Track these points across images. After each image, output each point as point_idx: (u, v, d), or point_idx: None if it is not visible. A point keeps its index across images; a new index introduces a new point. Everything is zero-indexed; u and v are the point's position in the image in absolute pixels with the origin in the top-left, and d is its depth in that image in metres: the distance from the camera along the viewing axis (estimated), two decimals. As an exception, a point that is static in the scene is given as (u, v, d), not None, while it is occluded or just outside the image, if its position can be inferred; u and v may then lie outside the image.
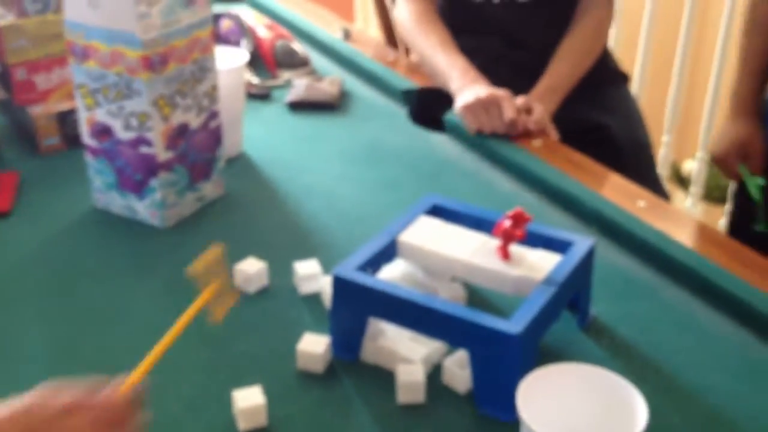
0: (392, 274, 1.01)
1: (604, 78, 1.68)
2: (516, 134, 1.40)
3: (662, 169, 2.50)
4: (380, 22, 2.16)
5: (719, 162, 1.57)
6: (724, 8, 2.31)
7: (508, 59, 1.64)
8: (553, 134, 1.42)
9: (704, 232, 1.18)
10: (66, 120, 1.36)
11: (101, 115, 1.15)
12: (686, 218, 1.23)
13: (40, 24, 1.34)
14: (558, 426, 0.76)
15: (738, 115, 1.55)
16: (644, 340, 0.98)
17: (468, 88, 1.44)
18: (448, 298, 0.99)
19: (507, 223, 0.92)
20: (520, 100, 1.43)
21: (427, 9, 1.65)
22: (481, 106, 1.40)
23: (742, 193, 1.49)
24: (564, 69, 1.56)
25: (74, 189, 1.27)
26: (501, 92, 1.41)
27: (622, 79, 1.75)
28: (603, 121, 1.62)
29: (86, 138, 1.18)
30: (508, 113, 1.39)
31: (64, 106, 1.36)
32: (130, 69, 1.09)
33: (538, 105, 1.44)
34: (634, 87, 2.51)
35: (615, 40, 2.49)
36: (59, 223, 1.20)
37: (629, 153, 1.63)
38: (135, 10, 1.05)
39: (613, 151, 1.58)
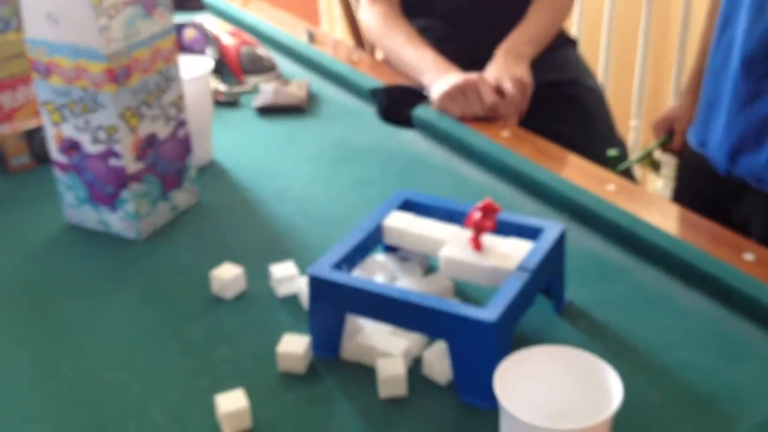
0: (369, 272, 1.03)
1: (557, 42, 1.73)
2: (496, 116, 1.42)
3: (633, 154, 2.52)
4: (347, 23, 2.17)
5: (652, 128, 1.64)
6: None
7: (453, 38, 1.67)
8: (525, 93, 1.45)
9: (673, 211, 1.20)
10: (34, 138, 1.36)
11: (68, 131, 1.14)
12: (654, 199, 1.25)
13: (2, 44, 1.34)
14: (536, 407, 0.77)
15: (685, 92, 1.59)
16: (620, 321, 1.00)
17: (442, 78, 1.47)
18: (436, 291, 1.00)
19: (477, 215, 0.93)
20: (490, 78, 1.45)
21: (391, 9, 1.69)
22: (458, 92, 1.42)
23: (686, 159, 1.51)
24: (538, 23, 1.61)
25: (46, 206, 1.26)
26: (475, 76, 1.43)
27: (572, 43, 1.82)
28: (563, 78, 1.69)
29: (55, 154, 1.18)
30: (488, 97, 1.41)
31: (31, 123, 1.36)
32: (94, 83, 1.09)
33: (507, 82, 1.45)
34: (600, 72, 2.53)
35: (578, 20, 2.52)
36: (33, 242, 1.20)
37: (593, 104, 1.74)
38: (96, 24, 1.05)
39: (580, 104, 1.70)
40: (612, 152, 1.53)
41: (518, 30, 1.61)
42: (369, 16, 1.71)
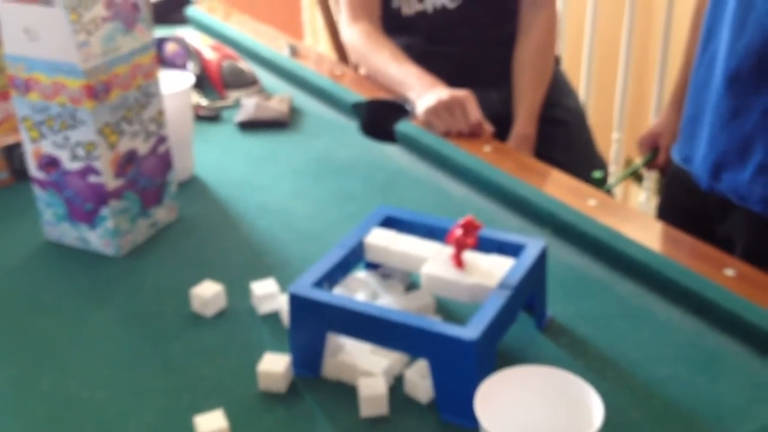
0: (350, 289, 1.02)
1: None
2: (481, 133, 1.43)
3: (615, 166, 2.53)
4: (330, 37, 2.17)
5: (637, 145, 1.66)
6: None
7: (433, 56, 1.69)
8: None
9: (654, 226, 1.20)
10: (13, 154, 1.35)
11: (47, 147, 1.14)
12: (636, 214, 1.25)
13: (-19, 59, 1.33)
14: (517, 428, 0.76)
15: (668, 107, 1.60)
16: (602, 337, 0.99)
17: (427, 93, 1.47)
18: (417, 309, 1.00)
19: (458, 232, 0.93)
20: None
21: (373, 27, 1.71)
22: (443, 108, 1.43)
23: (670, 175, 1.52)
24: (530, 93, 1.68)
25: (25, 222, 1.25)
26: (462, 93, 1.44)
27: (554, 61, 1.83)
28: (545, 100, 1.72)
29: (33, 171, 1.17)
30: (473, 113, 1.41)
31: (10, 139, 1.35)
32: (73, 99, 1.08)
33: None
34: (582, 84, 2.54)
35: (561, 32, 2.53)
36: (11, 259, 1.19)
37: (573, 125, 1.77)
38: (74, 40, 1.04)
39: (560, 125, 1.74)
40: (597, 174, 1.53)
41: (523, 109, 1.67)
42: (351, 34, 1.72)
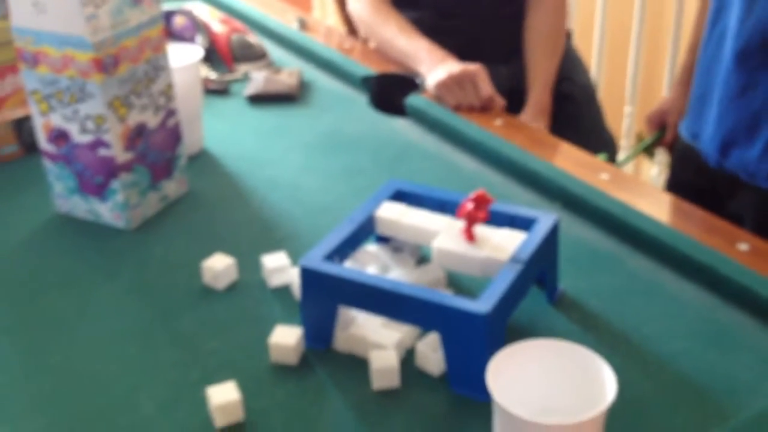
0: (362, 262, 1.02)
1: None
2: (492, 108, 1.42)
3: (626, 140, 2.52)
4: (339, 10, 2.15)
5: (646, 122, 1.65)
6: (678, -23, 2.32)
7: (443, 30, 1.67)
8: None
9: (666, 201, 1.19)
10: (23, 127, 1.34)
11: (57, 120, 1.13)
12: (648, 188, 1.25)
13: (-10, 31, 1.32)
14: (530, 402, 0.76)
15: (677, 84, 1.59)
16: (613, 312, 0.99)
17: (439, 66, 1.45)
18: (428, 282, 1.00)
19: (470, 206, 0.92)
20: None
21: (380, 0, 1.67)
22: (454, 82, 1.42)
23: (678, 152, 1.51)
24: (545, 63, 1.65)
25: (35, 196, 1.25)
26: (473, 67, 1.43)
27: (566, 35, 1.81)
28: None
29: (43, 144, 1.17)
30: (485, 88, 1.40)
31: (20, 113, 1.35)
32: (82, 72, 1.08)
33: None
34: (594, 57, 2.52)
35: (572, 7, 2.50)
36: (21, 232, 1.19)
37: (584, 101, 1.75)
38: (82, 13, 1.04)
39: (571, 102, 1.72)
40: (601, 156, 1.52)
41: (538, 79, 1.64)
42: (358, 7, 1.69)
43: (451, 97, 1.42)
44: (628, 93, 2.52)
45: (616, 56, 2.59)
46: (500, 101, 1.45)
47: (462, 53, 1.53)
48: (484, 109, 1.42)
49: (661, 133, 1.61)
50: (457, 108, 1.42)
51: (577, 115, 1.73)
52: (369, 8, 1.66)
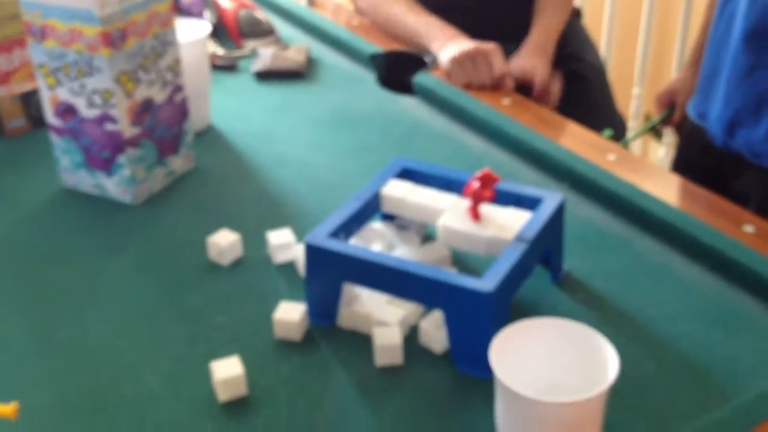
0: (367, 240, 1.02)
1: None
2: (503, 87, 1.40)
3: (635, 121, 2.51)
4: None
5: (655, 102, 1.64)
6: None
7: (452, 5, 1.65)
8: (555, 94, 1.44)
9: (673, 182, 1.19)
10: (30, 101, 1.35)
11: (64, 94, 1.13)
12: (655, 169, 1.24)
13: (-3, 5, 1.32)
14: (532, 380, 0.76)
15: (687, 64, 1.58)
16: (618, 292, 0.99)
17: (451, 43, 1.45)
18: (433, 260, 1.00)
19: (476, 184, 0.92)
20: (516, 69, 1.44)
21: None
22: (467, 58, 1.41)
23: (685, 131, 1.50)
24: (549, 15, 1.60)
25: (42, 170, 1.25)
26: (488, 45, 1.42)
27: (576, 14, 1.80)
28: (564, 53, 1.66)
29: (50, 118, 1.17)
30: (498, 66, 1.39)
31: (27, 86, 1.35)
32: (89, 46, 1.08)
33: (540, 69, 1.45)
34: (604, 38, 2.51)
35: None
36: (28, 205, 1.19)
37: (593, 80, 1.72)
38: (91, -14, 1.03)
39: (580, 80, 1.68)
40: (606, 133, 1.51)
41: (538, 26, 1.60)
42: None
43: (462, 74, 1.41)
44: (637, 74, 2.51)
45: (625, 37, 2.57)
46: (510, 82, 1.44)
47: (470, 31, 1.52)
48: (496, 87, 1.41)
49: (669, 113, 1.60)
50: (468, 86, 1.41)
51: (586, 95, 1.72)
52: None
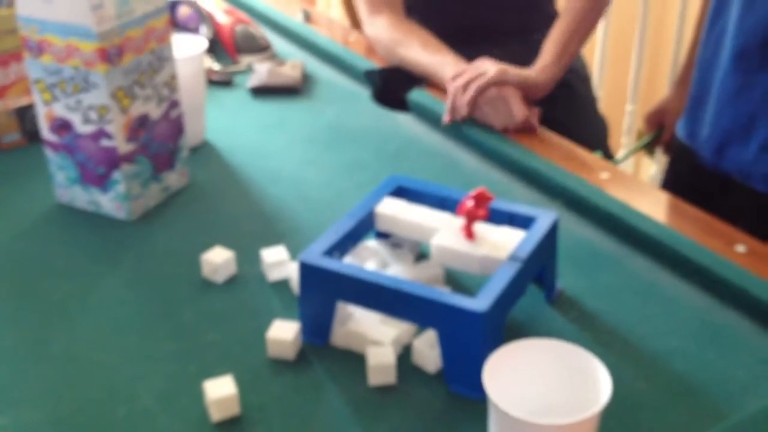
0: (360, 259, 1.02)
1: (550, 23, 1.66)
2: (529, 129, 1.35)
3: (627, 138, 2.52)
4: (343, 2, 2.15)
5: (644, 122, 1.64)
6: (683, -25, 2.32)
7: (437, 9, 1.64)
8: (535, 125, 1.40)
9: (665, 201, 1.20)
10: (25, 115, 1.35)
11: (60, 110, 1.14)
12: (648, 188, 1.25)
13: (-6, 19, 1.33)
14: (525, 401, 0.77)
15: (676, 84, 1.59)
16: (611, 311, 1.00)
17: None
18: (426, 279, 1.00)
19: (470, 203, 0.93)
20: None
21: (396, 17, 1.58)
22: (487, 103, 1.34)
23: (674, 151, 1.50)
24: (567, 33, 1.49)
25: (36, 185, 1.26)
26: (508, 89, 1.35)
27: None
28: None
29: (46, 133, 1.17)
30: (520, 111, 1.34)
31: (23, 101, 1.35)
32: (86, 62, 1.08)
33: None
34: (597, 55, 2.52)
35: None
36: (22, 220, 1.19)
37: (579, 85, 1.71)
38: (88, 2, 1.04)
39: (565, 86, 1.63)
40: (597, 153, 1.52)
41: (550, 53, 1.47)
42: (375, 30, 1.59)
43: (483, 118, 1.36)
44: (630, 91, 2.52)
45: (618, 54, 2.59)
46: (536, 122, 1.37)
47: (457, 35, 1.52)
48: (518, 129, 1.35)
49: (659, 132, 1.61)
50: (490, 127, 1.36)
51: (572, 100, 1.72)
52: (387, 30, 1.56)
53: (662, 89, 2.52)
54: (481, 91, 1.32)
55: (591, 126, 1.62)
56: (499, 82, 1.32)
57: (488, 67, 1.34)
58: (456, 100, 1.35)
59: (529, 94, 1.37)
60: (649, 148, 1.69)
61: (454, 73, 1.38)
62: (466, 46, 1.50)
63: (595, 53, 2.52)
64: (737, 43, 1.23)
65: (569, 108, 1.67)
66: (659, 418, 0.85)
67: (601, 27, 2.50)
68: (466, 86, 1.34)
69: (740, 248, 1.06)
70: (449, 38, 1.50)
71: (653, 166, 2.48)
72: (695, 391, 0.88)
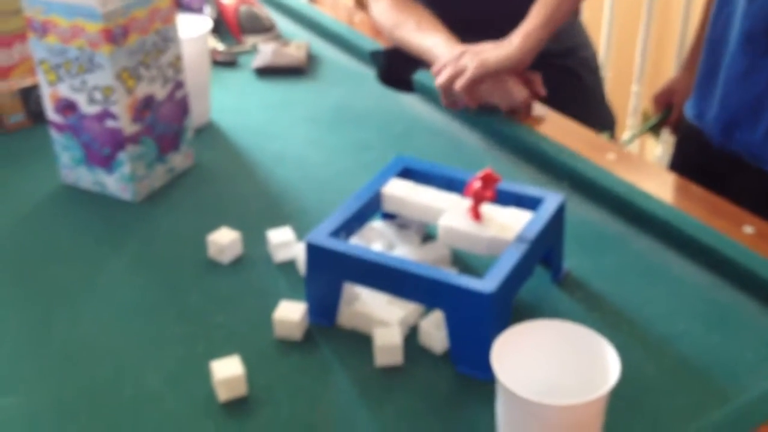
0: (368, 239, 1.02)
1: None
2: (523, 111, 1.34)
3: (633, 119, 2.51)
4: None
5: (652, 101, 1.63)
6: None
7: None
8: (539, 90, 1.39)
9: (673, 182, 1.19)
10: (30, 96, 1.34)
11: (64, 90, 1.13)
12: (655, 169, 1.24)
13: (-2, 0, 1.32)
14: (533, 382, 0.77)
15: (685, 65, 1.58)
16: (617, 292, 0.99)
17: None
18: (433, 260, 1.00)
19: (477, 184, 0.92)
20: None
21: None
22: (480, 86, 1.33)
23: (683, 131, 1.49)
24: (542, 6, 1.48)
25: (42, 166, 1.25)
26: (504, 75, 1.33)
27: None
28: (559, 48, 1.59)
29: (51, 114, 1.17)
30: (519, 92, 1.33)
31: (27, 82, 1.35)
32: (91, 43, 1.07)
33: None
34: (603, 36, 2.51)
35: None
36: (28, 201, 1.19)
37: (586, 76, 1.69)
38: (92, -17, 1.03)
39: (573, 75, 1.65)
40: (604, 135, 1.51)
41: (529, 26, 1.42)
42: (378, 10, 1.58)
43: (479, 100, 1.34)
44: (636, 72, 2.51)
45: (624, 35, 2.57)
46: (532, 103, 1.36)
47: (468, 22, 1.50)
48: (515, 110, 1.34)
49: (666, 113, 1.60)
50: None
51: (580, 91, 1.71)
52: (387, 10, 1.55)
53: (668, 70, 2.51)
54: (467, 89, 1.31)
55: (596, 118, 1.59)
56: (479, 78, 1.30)
57: (467, 62, 1.32)
58: (447, 94, 1.34)
59: (517, 70, 1.35)
60: (656, 129, 1.68)
61: (436, 68, 1.37)
62: (466, 37, 1.48)
63: (602, 34, 2.50)
64: (745, 25, 1.22)
65: (575, 98, 1.65)
66: (666, 399, 0.85)
67: (607, 7, 2.49)
68: (449, 83, 1.32)
69: (748, 229, 1.05)
70: (450, 28, 1.48)
71: (659, 147, 2.47)
72: (702, 373, 0.88)
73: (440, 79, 1.32)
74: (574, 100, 1.65)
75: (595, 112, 1.71)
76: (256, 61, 1.55)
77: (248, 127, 1.37)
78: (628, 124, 2.54)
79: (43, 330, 0.96)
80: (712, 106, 1.32)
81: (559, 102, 1.57)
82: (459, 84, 1.29)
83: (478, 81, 1.29)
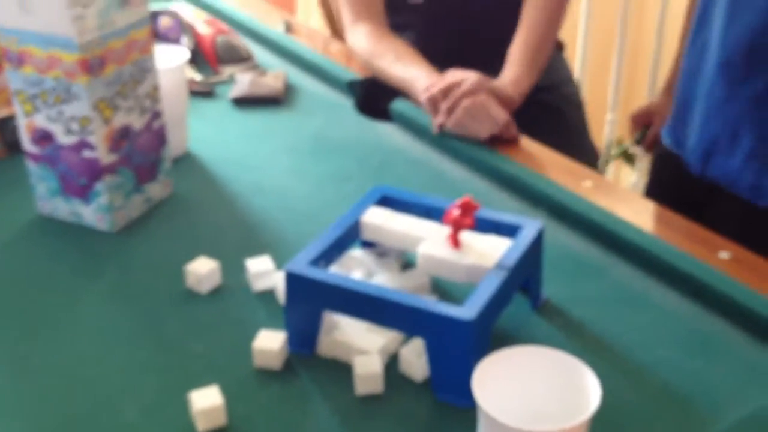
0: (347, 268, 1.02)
1: None
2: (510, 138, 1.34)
3: (608, 148, 2.53)
4: (323, 12, 2.15)
5: (630, 121, 1.65)
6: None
7: (431, 32, 1.63)
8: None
9: (649, 208, 1.20)
10: (6, 126, 1.33)
11: (41, 121, 1.13)
12: (632, 196, 1.25)
13: (-27, 30, 1.31)
14: (514, 408, 0.76)
15: (664, 90, 1.60)
16: (596, 320, 1.00)
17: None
18: (412, 288, 1.00)
19: (456, 212, 0.93)
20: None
21: (376, 27, 1.58)
22: (466, 114, 1.33)
23: (660, 158, 1.51)
24: (526, 48, 1.49)
25: (18, 196, 1.24)
26: (481, 96, 1.34)
27: (558, 47, 1.77)
28: (541, 84, 1.58)
29: (27, 144, 1.16)
30: (500, 114, 1.33)
31: (3, 112, 1.34)
32: (67, 73, 1.07)
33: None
34: (577, 65, 2.54)
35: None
36: (3, 232, 1.18)
37: (569, 112, 1.72)
38: (69, 13, 1.03)
39: (555, 111, 1.68)
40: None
41: (514, 67, 1.46)
42: (355, 39, 1.59)
43: (463, 131, 1.35)
44: (610, 100, 2.53)
45: (598, 64, 2.60)
46: (515, 130, 1.36)
47: (450, 54, 1.52)
48: (499, 138, 1.34)
49: (642, 134, 1.62)
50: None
51: (562, 127, 1.72)
52: (365, 39, 1.56)
53: (642, 97, 2.54)
54: (466, 96, 1.32)
55: (579, 154, 1.59)
56: (478, 89, 1.32)
57: (467, 75, 1.34)
58: (438, 108, 1.35)
59: (502, 106, 1.36)
60: (631, 154, 1.70)
61: (429, 83, 1.37)
62: (463, 67, 1.49)
63: (576, 63, 2.53)
64: (722, 53, 1.24)
65: (557, 134, 1.63)
66: (645, 427, 0.85)
67: (581, 36, 2.52)
68: (446, 93, 1.34)
69: (724, 255, 1.06)
70: (445, 59, 1.49)
71: (633, 174, 2.49)
72: (683, 400, 0.88)
73: (434, 89, 1.33)
74: (557, 136, 1.65)
75: (578, 148, 1.72)
76: (233, 92, 1.55)
77: (226, 157, 1.37)
78: (603, 152, 2.56)
79: (19, 361, 0.95)
80: (690, 134, 1.33)
81: (542, 138, 1.57)
82: (464, 87, 1.31)
83: (479, 89, 1.31)
